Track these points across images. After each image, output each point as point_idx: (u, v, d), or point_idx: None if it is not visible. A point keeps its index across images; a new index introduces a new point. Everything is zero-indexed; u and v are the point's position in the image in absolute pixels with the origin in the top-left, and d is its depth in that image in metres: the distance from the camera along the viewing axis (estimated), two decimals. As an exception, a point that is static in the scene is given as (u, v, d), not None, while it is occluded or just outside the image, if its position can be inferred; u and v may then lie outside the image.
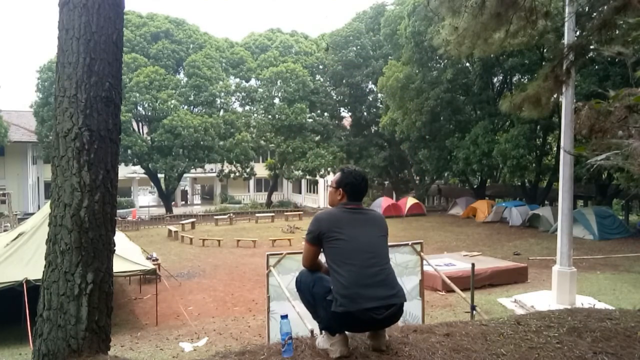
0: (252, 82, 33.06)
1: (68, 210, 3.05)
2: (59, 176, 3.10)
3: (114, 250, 3.31)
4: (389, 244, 2.78)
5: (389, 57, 27.38)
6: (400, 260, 5.78)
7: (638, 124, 3.46)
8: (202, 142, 27.81)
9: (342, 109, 34.23)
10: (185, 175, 32.72)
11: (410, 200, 27.24)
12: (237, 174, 31.24)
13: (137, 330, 9.16)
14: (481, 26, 4.96)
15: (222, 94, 30.21)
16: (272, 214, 27.64)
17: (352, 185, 2.61)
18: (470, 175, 27.01)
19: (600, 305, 7.59)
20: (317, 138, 31.96)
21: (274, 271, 5.31)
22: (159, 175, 30.28)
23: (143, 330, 9.13)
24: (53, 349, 3.00)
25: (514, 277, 11.29)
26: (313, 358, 2.48)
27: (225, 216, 26.56)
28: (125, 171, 32.73)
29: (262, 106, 31.80)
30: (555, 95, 5.65)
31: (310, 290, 2.57)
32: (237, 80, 32.74)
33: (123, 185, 34.12)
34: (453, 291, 6.62)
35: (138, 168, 30.45)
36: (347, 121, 34.93)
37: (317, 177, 32.66)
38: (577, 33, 8.09)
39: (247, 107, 33.36)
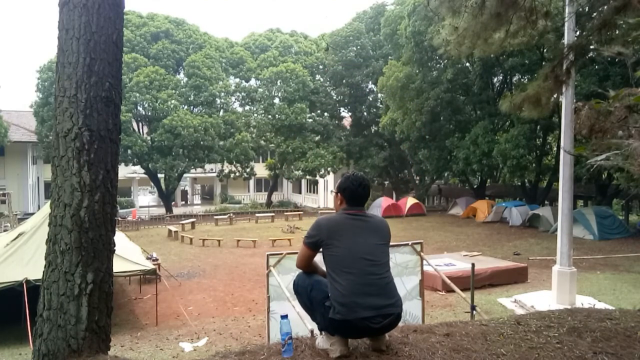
0: (252, 82, 33.07)
1: (68, 210, 3.05)
2: (59, 176, 3.10)
3: (114, 250, 3.31)
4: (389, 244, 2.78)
5: (389, 57, 27.37)
6: (400, 260, 5.79)
7: (638, 124, 3.46)
8: (202, 142, 27.82)
9: (342, 109, 34.22)
10: (185, 175, 32.73)
11: (410, 200, 27.23)
12: (237, 174, 31.24)
13: (137, 330, 9.15)
14: (481, 26, 4.96)
15: (222, 94, 30.21)
16: (272, 214, 27.63)
17: (350, 190, 2.59)
18: (470, 175, 27.01)
19: (600, 305, 7.59)
20: (317, 138, 31.96)
21: (274, 271, 5.31)
22: (159, 175, 30.29)
23: (143, 330, 9.13)
24: (53, 349, 3.00)
25: (514, 277, 11.29)
26: (313, 358, 2.48)
27: (225, 216, 26.55)
28: (125, 171, 32.74)
29: (262, 106, 31.81)
30: (555, 95, 5.64)
31: (308, 294, 2.58)
32: (237, 80, 32.75)
33: (123, 185, 34.12)
34: (453, 291, 6.62)
35: (138, 168, 30.46)
36: (347, 121, 34.91)
37: (317, 177, 32.66)
38: (577, 33, 8.09)
39: (247, 107, 33.37)
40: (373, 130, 32.70)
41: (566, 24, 7.55)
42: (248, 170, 31.28)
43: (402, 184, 33.81)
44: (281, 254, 5.51)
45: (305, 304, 2.66)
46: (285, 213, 28.23)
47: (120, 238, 9.01)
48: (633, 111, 3.41)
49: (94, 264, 3.08)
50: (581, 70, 15.66)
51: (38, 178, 31.05)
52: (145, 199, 43.32)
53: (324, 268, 2.59)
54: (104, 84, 3.14)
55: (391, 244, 2.87)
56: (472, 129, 22.15)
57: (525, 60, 19.69)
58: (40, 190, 31.01)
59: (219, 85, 29.65)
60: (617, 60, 13.98)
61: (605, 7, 4.39)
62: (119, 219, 22.50)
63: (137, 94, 26.89)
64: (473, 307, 5.73)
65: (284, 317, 2.57)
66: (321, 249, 2.54)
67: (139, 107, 28.87)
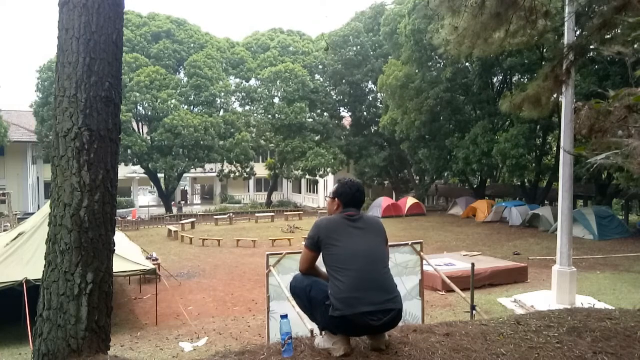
0: (252, 82, 33.08)
1: (68, 210, 3.05)
2: (59, 176, 3.10)
3: (114, 250, 3.31)
4: (389, 243, 2.80)
5: (389, 57, 27.37)
6: (400, 260, 5.79)
7: (638, 124, 3.46)
8: (202, 142, 27.82)
9: (342, 108, 34.24)
10: (185, 175, 32.72)
11: (410, 200, 27.23)
12: (237, 174, 31.25)
13: (137, 330, 9.15)
14: (481, 26, 4.95)
15: (223, 94, 30.21)
16: (272, 214, 27.64)
17: (347, 195, 2.69)
18: (470, 175, 27.00)
19: (600, 305, 7.59)
20: (317, 138, 31.96)
21: (274, 271, 5.31)
22: (159, 175, 30.28)
23: (143, 330, 9.13)
24: (53, 349, 3.00)
25: (514, 277, 11.29)
26: (313, 358, 2.48)
27: (225, 216, 26.56)
28: (125, 171, 32.75)
29: (262, 106, 31.81)
30: (555, 95, 5.64)
31: (308, 295, 2.59)
32: (238, 80, 32.76)
33: (123, 185, 34.13)
34: (453, 291, 6.62)
35: (138, 168, 30.45)
36: (347, 121, 34.92)
37: (317, 177, 32.66)
38: (577, 33, 8.09)
39: (247, 107, 33.37)
40: (373, 130, 32.71)
41: (566, 24, 7.55)
42: (248, 170, 31.29)
43: (402, 183, 33.82)
44: (281, 254, 5.51)
45: (305, 305, 2.67)
46: (285, 213, 28.23)
47: (120, 238, 9.01)
48: (633, 111, 3.41)
49: (94, 264, 3.08)
50: (581, 70, 15.66)
51: (38, 178, 31.06)
52: (145, 199, 43.33)
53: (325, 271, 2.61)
54: (104, 84, 3.14)
55: (391, 244, 2.90)
56: (472, 129, 22.15)
57: (525, 60, 19.69)
58: (40, 190, 31.01)
59: (220, 85, 29.65)
60: (617, 60, 13.98)
61: (605, 7, 4.39)
62: (119, 218, 22.51)
63: (138, 94, 26.89)
64: (473, 307, 5.73)
65: (284, 317, 2.57)
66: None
67: (139, 107, 28.87)
